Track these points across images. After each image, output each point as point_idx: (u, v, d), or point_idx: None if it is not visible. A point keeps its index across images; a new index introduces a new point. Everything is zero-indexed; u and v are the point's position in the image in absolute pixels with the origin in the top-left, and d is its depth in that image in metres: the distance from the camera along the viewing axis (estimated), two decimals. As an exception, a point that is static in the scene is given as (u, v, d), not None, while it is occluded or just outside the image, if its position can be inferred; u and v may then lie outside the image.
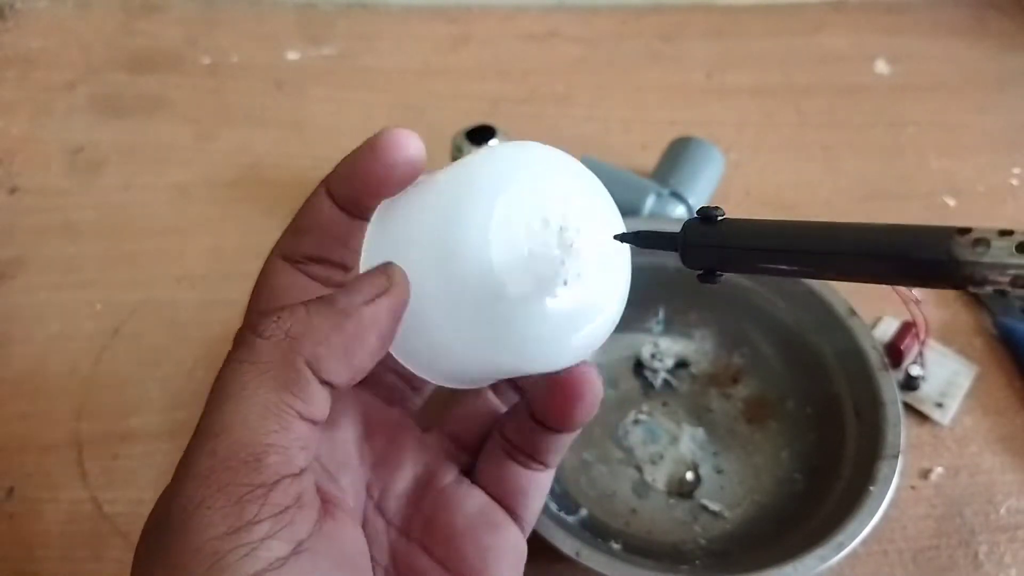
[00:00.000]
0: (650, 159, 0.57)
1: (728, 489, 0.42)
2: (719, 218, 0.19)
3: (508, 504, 0.25)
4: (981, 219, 0.57)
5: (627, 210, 0.50)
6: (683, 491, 0.42)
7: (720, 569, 0.38)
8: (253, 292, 0.24)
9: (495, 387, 0.27)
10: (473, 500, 0.25)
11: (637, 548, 0.39)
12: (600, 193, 0.23)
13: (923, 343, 0.47)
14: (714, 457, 0.44)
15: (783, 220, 0.19)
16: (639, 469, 0.43)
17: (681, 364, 0.47)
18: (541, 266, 0.21)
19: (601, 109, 0.65)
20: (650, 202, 0.50)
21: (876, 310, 0.49)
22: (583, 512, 0.40)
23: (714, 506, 0.42)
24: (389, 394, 0.26)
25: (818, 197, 0.59)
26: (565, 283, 0.21)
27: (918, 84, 0.68)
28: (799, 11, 0.75)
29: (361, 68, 0.67)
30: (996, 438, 0.45)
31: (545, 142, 0.23)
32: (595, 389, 0.23)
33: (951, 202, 0.58)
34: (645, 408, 0.46)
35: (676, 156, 0.55)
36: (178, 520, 0.17)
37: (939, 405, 0.46)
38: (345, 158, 0.23)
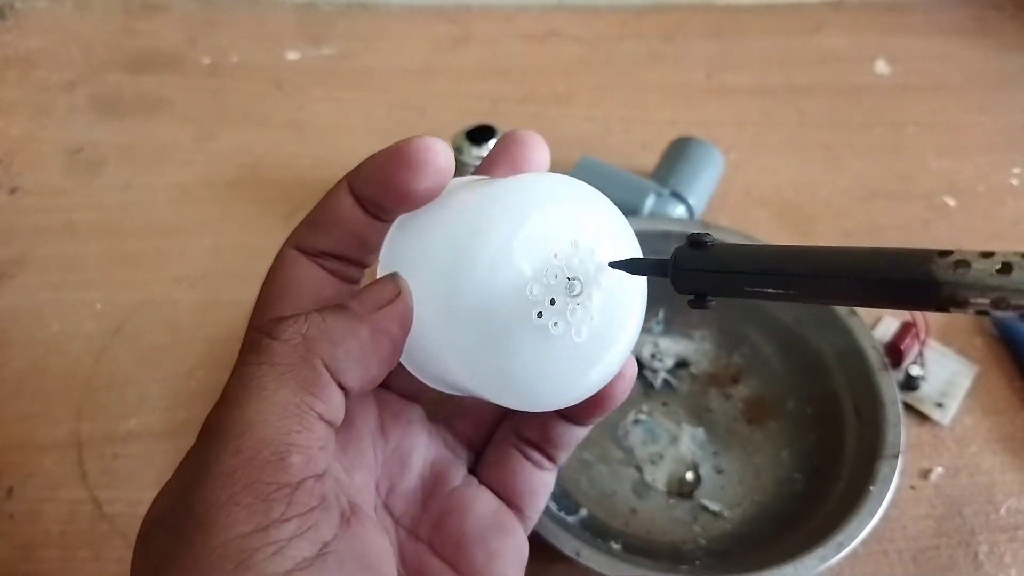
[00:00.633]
0: (650, 159, 0.57)
1: (728, 489, 0.42)
2: (708, 244, 0.20)
3: (514, 503, 0.26)
4: (981, 219, 0.57)
5: (627, 210, 0.50)
6: (683, 491, 0.42)
7: (720, 569, 0.38)
8: (265, 282, 0.23)
9: None
10: (483, 503, 0.25)
11: (637, 548, 0.39)
12: (622, 230, 0.23)
13: (923, 343, 0.47)
14: (714, 457, 0.44)
15: (770, 245, 0.20)
16: (639, 469, 0.43)
17: (681, 364, 0.47)
18: (551, 304, 0.21)
19: (601, 109, 0.65)
20: (650, 202, 0.50)
21: (876, 310, 0.49)
22: (583, 512, 0.40)
23: (714, 506, 0.42)
24: (409, 389, 0.26)
25: (818, 197, 0.59)
26: (577, 332, 0.21)
27: (918, 84, 0.68)
28: (799, 11, 0.75)
29: (361, 68, 0.67)
30: (996, 438, 0.45)
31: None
32: (630, 376, 0.24)
33: (951, 202, 0.58)
34: (645, 408, 0.46)
35: (676, 156, 0.55)
36: (202, 517, 0.17)
37: (939, 405, 0.46)
38: (372, 158, 0.22)
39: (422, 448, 0.26)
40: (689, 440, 0.44)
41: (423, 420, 0.26)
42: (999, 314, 0.16)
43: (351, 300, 0.21)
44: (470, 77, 0.67)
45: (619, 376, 0.24)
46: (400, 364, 0.23)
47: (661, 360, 0.47)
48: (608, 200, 0.23)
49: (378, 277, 0.23)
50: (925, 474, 0.44)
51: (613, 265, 0.21)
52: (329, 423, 0.19)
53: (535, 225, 0.21)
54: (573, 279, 0.21)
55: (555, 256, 0.21)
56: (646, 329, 0.48)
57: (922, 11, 0.76)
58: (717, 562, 0.39)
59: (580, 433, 0.26)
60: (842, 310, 0.43)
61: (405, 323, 0.21)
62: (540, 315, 0.21)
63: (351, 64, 0.67)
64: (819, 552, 0.34)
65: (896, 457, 0.38)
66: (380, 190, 0.22)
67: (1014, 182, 0.60)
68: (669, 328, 0.48)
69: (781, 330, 0.46)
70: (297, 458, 0.18)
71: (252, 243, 0.53)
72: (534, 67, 0.68)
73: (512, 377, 0.21)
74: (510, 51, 0.70)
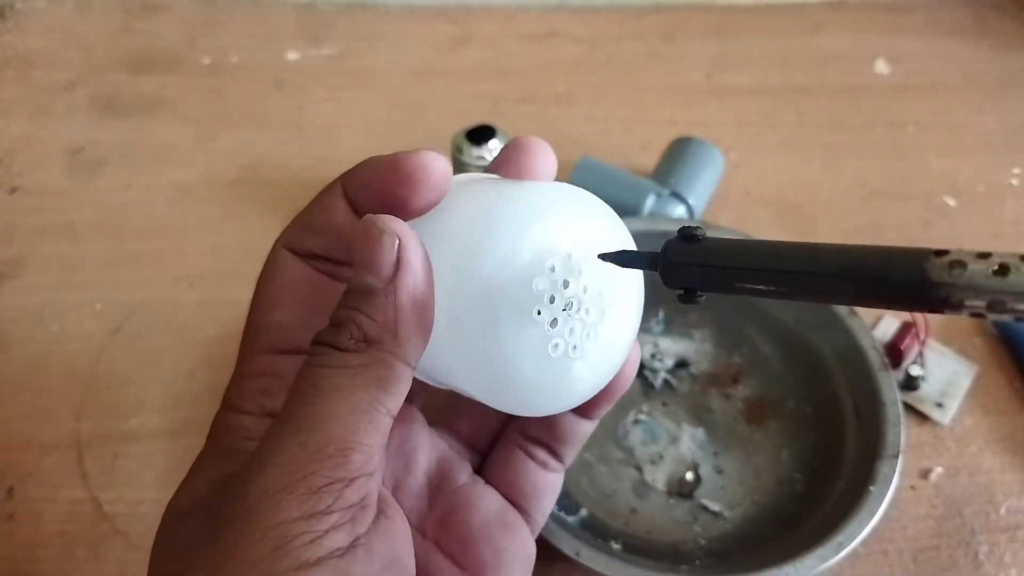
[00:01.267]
0: (650, 159, 0.57)
1: (728, 489, 0.42)
2: (700, 237, 0.19)
3: (521, 505, 0.26)
4: (981, 219, 0.57)
5: (627, 210, 0.50)
6: (683, 491, 0.42)
7: (720, 569, 0.38)
8: (259, 284, 0.23)
9: None
10: (489, 501, 0.25)
11: (637, 548, 0.39)
12: (622, 240, 0.23)
13: (923, 343, 0.47)
14: (714, 457, 0.44)
15: (762, 240, 0.19)
16: (639, 469, 0.43)
17: (681, 364, 0.47)
18: (549, 318, 0.21)
19: (601, 109, 0.65)
20: (650, 202, 0.50)
21: (877, 310, 0.49)
22: (583, 512, 0.40)
23: (714, 506, 0.42)
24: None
25: (818, 197, 0.59)
26: (574, 346, 0.21)
27: (918, 84, 0.68)
28: (799, 11, 0.75)
29: (361, 68, 0.67)
30: (996, 438, 0.45)
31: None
32: (634, 360, 0.24)
33: (951, 202, 0.58)
34: (645, 408, 0.46)
35: (676, 156, 0.55)
36: (253, 502, 0.18)
37: (939, 405, 0.46)
38: (368, 166, 0.22)
39: (427, 446, 0.26)
40: (689, 440, 0.44)
41: (423, 421, 0.26)
42: (995, 317, 0.15)
43: (365, 276, 0.20)
44: (470, 77, 0.67)
45: (625, 362, 0.24)
46: None
47: (661, 360, 0.47)
48: (611, 210, 0.23)
49: None
50: (925, 474, 0.44)
51: (603, 257, 0.21)
52: (393, 418, 0.20)
53: (536, 234, 0.21)
54: (572, 298, 0.21)
55: (554, 269, 0.21)
56: (646, 329, 0.48)
57: (922, 11, 0.76)
58: (717, 562, 0.39)
59: (587, 428, 0.26)
60: (842, 310, 0.43)
61: (424, 259, 0.20)
62: (548, 330, 0.21)
63: (351, 64, 0.67)
64: (819, 552, 0.34)
65: (896, 457, 0.38)
66: (374, 199, 0.22)
67: (1014, 182, 0.60)
68: (669, 328, 0.48)
69: (781, 330, 0.46)
70: (358, 456, 0.18)
71: (252, 243, 0.53)
72: (534, 67, 0.68)
73: (510, 383, 0.21)
74: (510, 51, 0.70)
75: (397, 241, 0.20)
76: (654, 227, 0.46)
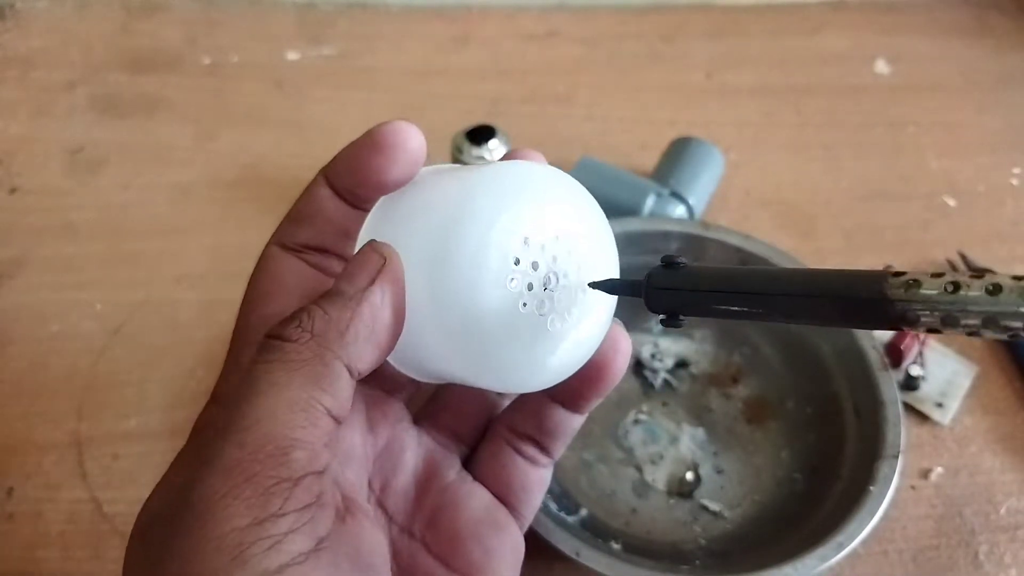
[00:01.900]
0: (650, 159, 0.57)
1: (728, 489, 0.42)
2: (681, 265, 0.21)
3: (509, 501, 0.25)
4: (981, 219, 0.57)
5: (627, 210, 0.50)
6: (683, 491, 0.42)
7: (720, 569, 0.38)
8: (251, 280, 0.24)
9: None
10: (477, 499, 0.25)
11: (637, 548, 0.39)
12: (597, 222, 0.23)
13: (923, 343, 0.47)
14: (714, 457, 0.44)
15: (737, 267, 0.22)
16: (639, 469, 0.43)
17: (681, 364, 0.47)
18: (526, 293, 0.21)
19: (601, 109, 0.65)
20: (650, 202, 0.50)
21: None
22: (583, 512, 0.40)
23: (714, 506, 0.42)
24: (390, 384, 0.26)
25: (818, 197, 0.59)
26: (549, 319, 0.22)
27: (918, 84, 0.68)
28: (799, 11, 0.75)
29: (361, 68, 0.67)
30: (996, 438, 0.45)
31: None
32: (624, 351, 0.24)
33: (951, 202, 0.58)
34: (645, 408, 0.46)
35: (676, 156, 0.55)
36: (201, 509, 0.17)
37: (939, 405, 0.46)
38: (345, 148, 0.23)
39: (414, 445, 0.26)
40: (689, 440, 0.44)
41: (409, 420, 0.26)
42: (950, 332, 0.17)
43: (340, 282, 0.20)
44: (470, 77, 0.67)
45: (614, 352, 0.24)
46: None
47: (661, 360, 0.47)
48: (586, 190, 0.23)
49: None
50: (925, 474, 0.44)
51: (593, 286, 0.22)
52: (335, 418, 0.19)
53: (515, 213, 0.21)
54: (548, 272, 0.21)
55: (529, 242, 0.21)
56: (646, 329, 0.48)
57: (922, 11, 0.76)
58: (717, 562, 0.39)
59: (575, 422, 0.26)
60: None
61: (401, 288, 0.21)
62: (524, 305, 0.21)
63: (351, 64, 0.67)
64: (819, 552, 0.34)
65: (896, 457, 0.38)
66: (354, 178, 0.22)
67: (1014, 182, 0.60)
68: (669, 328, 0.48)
69: (781, 330, 0.46)
70: (300, 454, 0.18)
71: (252, 243, 0.52)
72: (534, 67, 0.68)
73: (492, 358, 0.21)
74: (510, 51, 0.70)
75: (383, 262, 0.20)
76: (654, 227, 0.46)
